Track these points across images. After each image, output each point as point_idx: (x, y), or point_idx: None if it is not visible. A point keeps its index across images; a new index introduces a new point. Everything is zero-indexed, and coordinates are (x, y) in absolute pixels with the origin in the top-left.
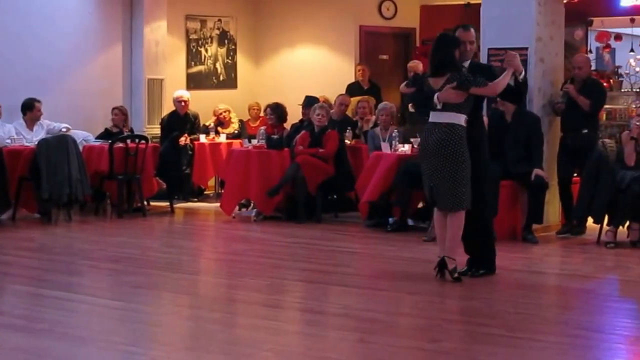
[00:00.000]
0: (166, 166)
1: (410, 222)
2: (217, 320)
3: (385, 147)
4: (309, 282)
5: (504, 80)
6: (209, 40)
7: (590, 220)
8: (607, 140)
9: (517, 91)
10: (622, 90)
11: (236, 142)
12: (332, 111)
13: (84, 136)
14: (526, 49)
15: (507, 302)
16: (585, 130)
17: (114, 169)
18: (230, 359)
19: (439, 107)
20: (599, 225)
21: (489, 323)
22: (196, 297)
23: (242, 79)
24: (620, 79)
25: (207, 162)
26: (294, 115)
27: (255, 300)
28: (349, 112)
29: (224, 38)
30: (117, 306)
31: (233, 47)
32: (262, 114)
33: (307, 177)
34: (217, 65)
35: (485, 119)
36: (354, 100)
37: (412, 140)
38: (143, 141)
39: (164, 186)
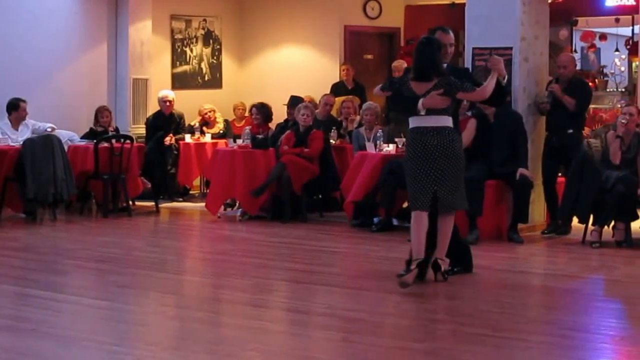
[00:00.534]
0: (151, 166)
1: (395, 221)
2: (202, 320)
3: (370, 147)
4: (293, 282)
5: (491, 84)
6: (194, 40)
7: (575, 220)
8: (592, 140)
9: (499, 95)
10: (608, 90)
11: (221, 142)
12: (316, 111)
13: (69, 136)
14: (511, 48)
15: (492, 301)
16: (571, 130)
17: (99, 169)
18: (215, 359)
19: (422, 113)
20: (584, 225)
21: (473, 323)
22: (181, 297)
23: (227, 79)
24: (605, 78)
25: (192, 161)
26: (279, 115)
27: (240, 300)
28: (333, 112)
29: (209, 38)
30: (102, 306)
31: (218, 47)
32: (247, 114)
33: (292, 176)
34: (202, 65)
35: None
36: (339, 100)
37: (396, 140)
38: (128, 141)
39: (149, 186)
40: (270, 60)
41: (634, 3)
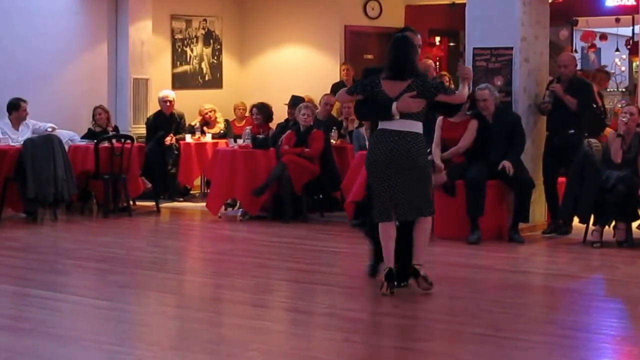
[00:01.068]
0: (152, 166)
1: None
2: (203, 320)
3: None
4: (294, 282)
5: (465, 91)
6: (195, 40)
7: (576, 219)
8: (592, 140)
9: (458, 105)
10: (608, 90)
11: (222, 142)
12: (317, 111)
13: (70, 136)
14: (511, 48)
15: (493, 301)
16: (572, 130)
17: (100, 169)
18: (216, 359)
19: (397, 117)
20: (584, 225)
21: (474, 322)
22: (182, 297)
23: (227, 79)
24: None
25: (192, 161)
26: (279, 115)
27: (240, 300)
28: (334, 112)
29: (210, 38)
30: (102, 306)
31: (218, 46)
32: (247, 114)
33: (292, 176)
34: (203, 65)
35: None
36: None
37: None
38: (129, 141)
39: (150, 186)
40: (271, 60)
41: (634, 3)
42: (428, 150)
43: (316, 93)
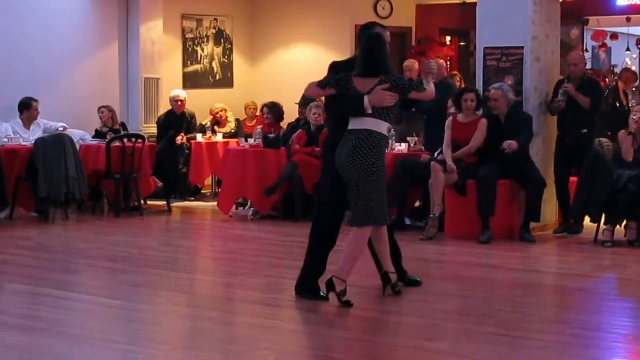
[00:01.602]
0: (163, 165)
1: (407, 221)
2: (215, 319)
3: None
4: None
5: (431, 85)
6: (205, 39)
7: (587, 219)
8: (603, 140)
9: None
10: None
11: (233, 142)
12: None
13: (81, 135)
14: (522, 47)
15: (505, 301)
16: (585, 130)
17: (111, 168)
18: (227, 358)
19: (369, 111)
20: (596, 225)
21: (486, 322)
22: (194, 296)
23: (238, 78)
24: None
25: (204, 161)
26: (290, 114)
27: (252, 299)
28: None
29: (220, 37)
30: (114, 305)
31: (229, 46)
32: (258, 113)
33: (303, 176)
34: (214, 65)
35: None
36: None
37: (408, 139)
38: (140, 140)
39: (161, 185)
40: (282, 60)
41: None
42: (439, 151)
43: None
